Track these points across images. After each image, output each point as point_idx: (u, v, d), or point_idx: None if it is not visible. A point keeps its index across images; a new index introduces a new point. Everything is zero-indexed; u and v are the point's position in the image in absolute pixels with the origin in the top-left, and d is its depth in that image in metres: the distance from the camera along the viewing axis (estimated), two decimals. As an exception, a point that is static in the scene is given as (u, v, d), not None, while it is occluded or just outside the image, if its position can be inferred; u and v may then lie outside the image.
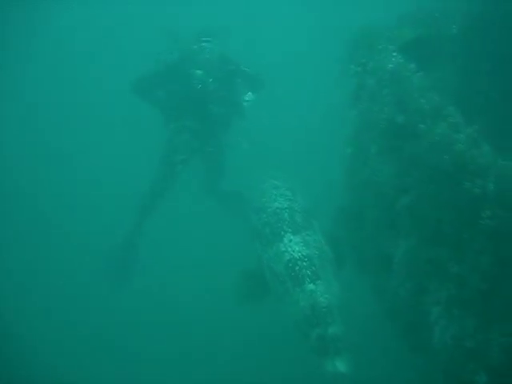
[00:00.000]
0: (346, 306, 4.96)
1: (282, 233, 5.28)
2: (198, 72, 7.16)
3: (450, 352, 4.01)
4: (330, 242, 5.34)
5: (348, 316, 4.87)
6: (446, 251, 4.09)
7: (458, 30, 5.20)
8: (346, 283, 5.16)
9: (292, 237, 5.23)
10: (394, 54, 4.67)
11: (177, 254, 8.60)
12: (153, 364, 7.58)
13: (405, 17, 5.38)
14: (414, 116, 4.18)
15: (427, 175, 4.14)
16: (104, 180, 10.63)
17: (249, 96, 7.47)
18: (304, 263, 5.03)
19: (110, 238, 8.14)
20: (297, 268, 5.02)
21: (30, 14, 12.41)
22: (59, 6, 12.77)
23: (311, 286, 4.90)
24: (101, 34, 13.70)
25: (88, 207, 10.44)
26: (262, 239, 5.44)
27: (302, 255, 5.08)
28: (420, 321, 4.42)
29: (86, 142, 11.99)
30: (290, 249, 5.15)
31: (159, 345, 7.73)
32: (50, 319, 8.14)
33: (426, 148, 4.07)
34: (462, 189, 3.78)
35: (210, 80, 7.18)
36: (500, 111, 5.01)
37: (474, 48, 5.21)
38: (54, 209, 10.46)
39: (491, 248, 3.59)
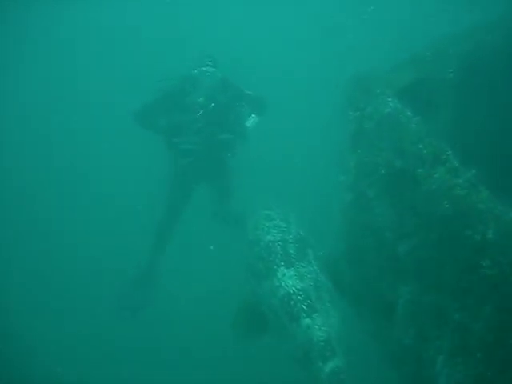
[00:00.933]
0: (347, 335, 4.88)
1: (275, 267, 5.23)
2: (200, 99, 7.07)
3: (455, 403, 3.90)
4: (327, 270, 5.25)
5: (350, 345, 4.79)
6: (448, 298, 4.01)
7: (454, 73, 5.20)
8: (346, 311, 5.08)
9: (285, 271, 5.17)
10: (391, 98, 4.66)
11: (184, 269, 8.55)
12: (153, 366, 7.51)
13: (401, 61, 5.40)
14: (412, 161, 4.16)
15: (427, 221, 4.10)
16: (105, 182, 10.62)
17: (252, 119, 7.43)
18: (299, 297, 4.97)
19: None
20: (292, 303, 4.95)
21: (33, 15, 12.49)
22: (60, 6, 12.85)
23: (307, 321, 4.83)
24: (103, 35, 13.77)
25: (91, 210, 10.44)
26: (256, 274, 5.36)
27: (297, 289, 5.03)
28: (424, 369, 4.32)
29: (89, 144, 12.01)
30: (283, 283, 5.10)
31: (159, 346, 7.73)
32: (50, 319, 8.17)
33: (424, 193, 4.03)
34: (462, 235, 3.73)
35: (212, 105, 7.08)
36: (498, 156, 4.99)
37: (471, 92, 5.22)
38: (56, 210, 10.40)
39: (493, 296, 3.52)
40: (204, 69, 7.01)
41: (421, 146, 4.13)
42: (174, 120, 7.12)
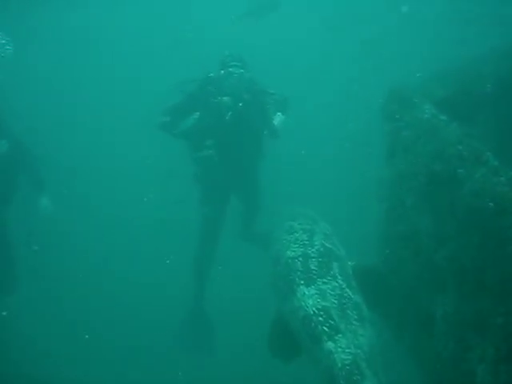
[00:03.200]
0: (381, 353, 4.53)
1: (295, 286, 4.87)
2: (226, 99, 6.78)
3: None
4: (358, 282, 4.99)
5: (385, 365, 4.45)
6: (490, 303, 3.87)
7: (492, 88, 5.18)
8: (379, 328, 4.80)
9: (305, 290, 4.81)
10: (428, 107, 4.65)
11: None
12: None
13: (435, 76, 5.41)
14: (452, 163, 4.11)
15: (467, 223, 4.01)
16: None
17: (278, 117, 7.09)
18: (320, 318, 4.58)
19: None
20: (312, 325, 4.57)
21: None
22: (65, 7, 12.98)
23: (329, 344, 4.42)
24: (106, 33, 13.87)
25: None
26: (278, 294, 5.12)
27: (317, 309, 4.64)
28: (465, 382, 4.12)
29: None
30: (303, 303, 4.72)
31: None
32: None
33: (465, 194, 3.96)
34: (506, 235, 3.64)
35: (240, 104, 6.80)
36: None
37: (508, 105, 5.19)
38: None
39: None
40: (231, 69, 6.73)
41: (460, 148, 4.08)
42: (201, 123, 6.81)
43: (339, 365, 4.31)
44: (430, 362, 4.58)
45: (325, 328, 4.52)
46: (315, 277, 4.91)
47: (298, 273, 4.98)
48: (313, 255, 5.14)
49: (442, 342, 4.36)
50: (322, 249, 5.23)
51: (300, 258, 5.11)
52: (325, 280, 4.89)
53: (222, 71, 6.78)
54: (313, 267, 5.01)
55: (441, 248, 4.31)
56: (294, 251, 5.22)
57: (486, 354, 3.89)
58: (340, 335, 4.47)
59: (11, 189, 7.41)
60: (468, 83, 5.17)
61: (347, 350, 4.39)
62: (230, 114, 6.77)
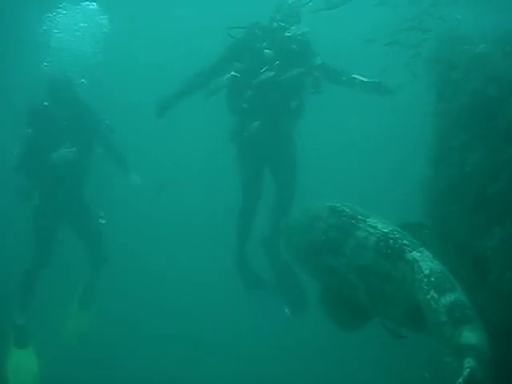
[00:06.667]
0: None
1: (353, 221, 4.45)
2: (267, 51, 6.41)
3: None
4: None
5: None
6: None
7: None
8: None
9: (368, 219, 4.41)
10: (483, 45, 4.54)
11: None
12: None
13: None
14: (506, 84, 3.96)
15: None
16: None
17: (318, 60, 6.55)
18: (396, 235, 4.18)
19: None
20: (391, 242, 4.14)
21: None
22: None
23: (414, 254, 3.99)
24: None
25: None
26: (327, 247, 4.61)
27: (390, 230, 4.25)
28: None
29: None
30: (371, 230, 4.30)
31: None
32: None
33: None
34: None
35: (277, 63, 6.37)
36: None
37: None
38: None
39: None
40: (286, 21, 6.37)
41: (516, 69, 3.95)
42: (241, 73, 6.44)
43: (426, 272, 3.87)
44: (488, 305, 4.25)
45: (405, 241, 4.14)
46: (369, 213, 4.54)
47: (350, 213, 4.58)
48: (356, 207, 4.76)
49: (498, 277, 4.06)
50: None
51: (346, 206, 4.73)
52: (379, 219, 4.49)
53: (275, 23, 6.50)
54: (360, 211, 4.64)
55: (492, 182, 4.10)
56: (334, 203, 4.82)
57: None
58: (422, 248, 4.09)
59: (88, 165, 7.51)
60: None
61: (434, 261, 3.97)
62: (265, 68, 6.40)
